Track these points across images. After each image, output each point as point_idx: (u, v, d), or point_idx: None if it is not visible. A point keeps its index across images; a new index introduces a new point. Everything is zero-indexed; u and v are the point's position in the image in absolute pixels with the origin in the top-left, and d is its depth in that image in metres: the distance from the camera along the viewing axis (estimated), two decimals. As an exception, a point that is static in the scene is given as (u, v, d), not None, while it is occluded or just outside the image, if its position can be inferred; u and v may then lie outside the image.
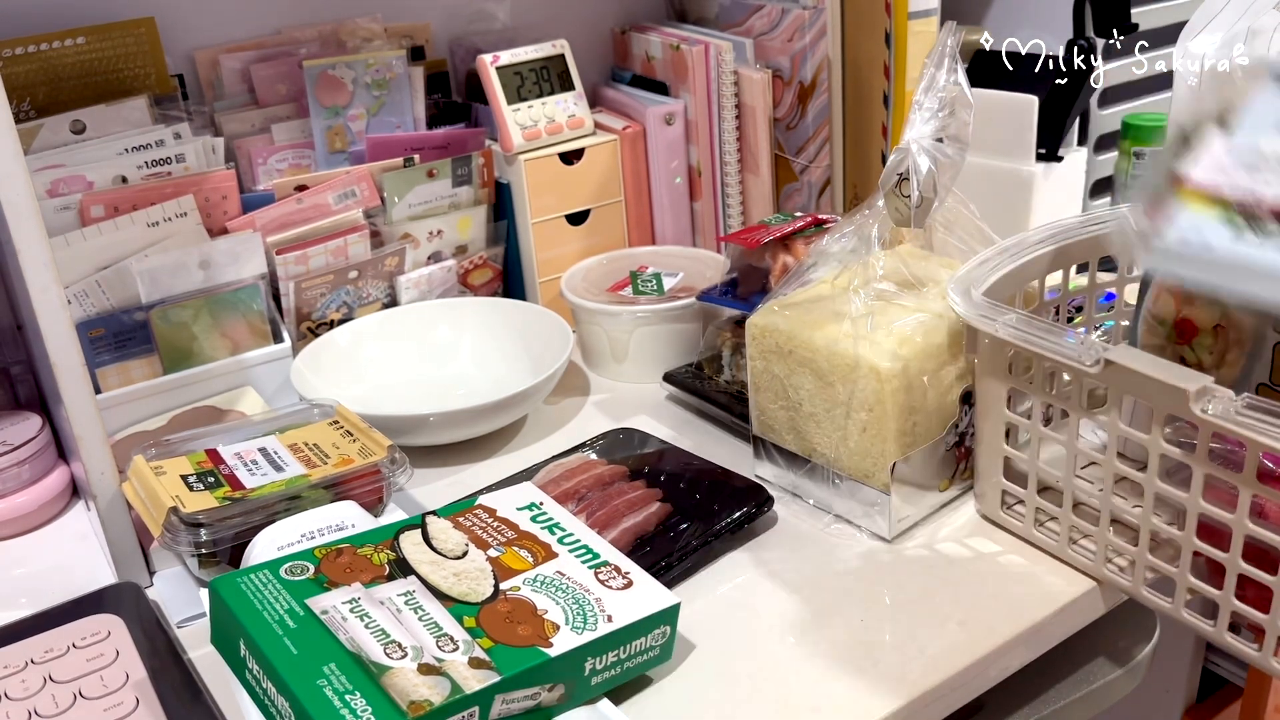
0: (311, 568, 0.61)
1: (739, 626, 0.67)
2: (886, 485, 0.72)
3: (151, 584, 0.74)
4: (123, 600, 0.71)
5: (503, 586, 0.61)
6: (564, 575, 0.63)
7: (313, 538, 0.68)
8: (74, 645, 0.66)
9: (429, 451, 0.88)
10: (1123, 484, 0.67)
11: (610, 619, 0.60)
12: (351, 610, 0.58)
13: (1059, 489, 0.69)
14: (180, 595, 0.73)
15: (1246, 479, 0.57)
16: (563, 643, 0.58)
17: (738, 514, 0.74)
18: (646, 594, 0.62)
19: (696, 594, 0.70)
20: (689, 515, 0.75)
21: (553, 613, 0.60)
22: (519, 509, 0.69)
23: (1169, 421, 0.60)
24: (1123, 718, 0.82)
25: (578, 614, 0.60)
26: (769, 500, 0.76)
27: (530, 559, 0.64)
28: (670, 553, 0.71)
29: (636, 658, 0.61)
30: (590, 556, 0.65)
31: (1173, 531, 0.62)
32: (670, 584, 0.69)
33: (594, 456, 0.83)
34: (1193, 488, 0.60)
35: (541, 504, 0.70)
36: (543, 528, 0.68)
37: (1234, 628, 0.62)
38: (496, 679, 0.55)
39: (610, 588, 0.62)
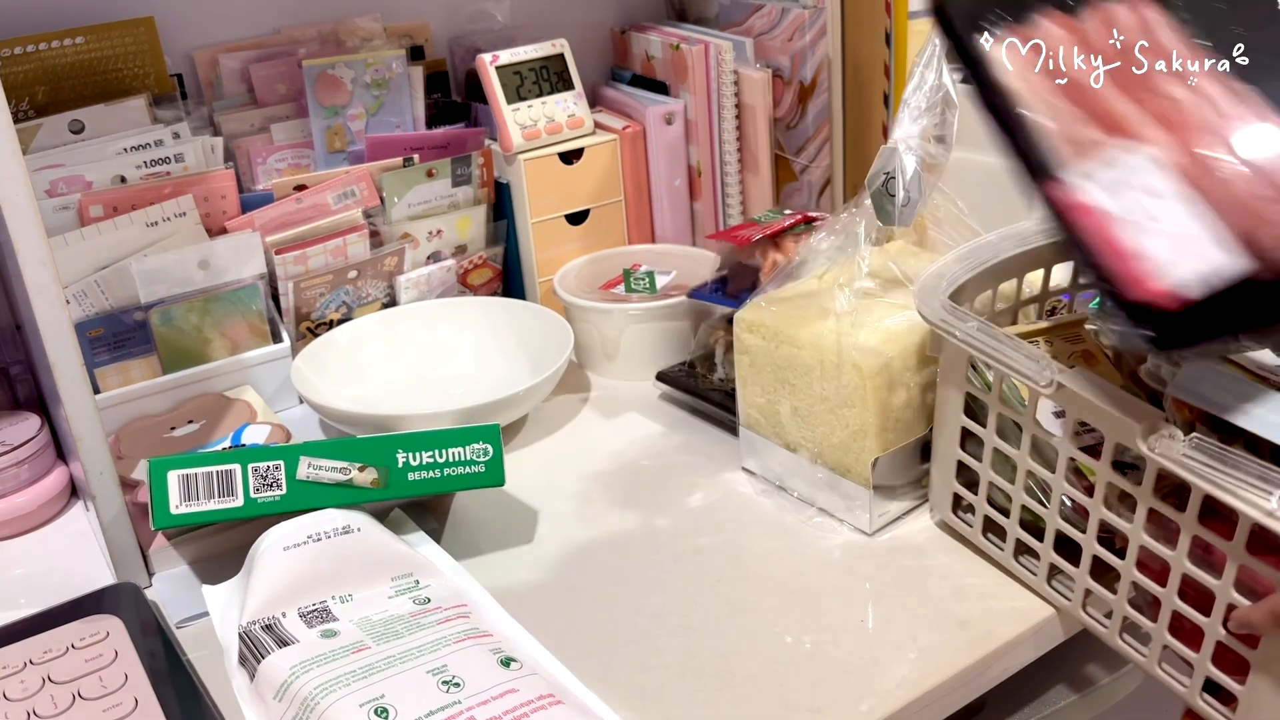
0: None
1: (737, 626, 0.67)
2: (867, 480, 0.72)
3: (151, 584, 0.74)
4: (122, 601, 0.71)
5: None
6: None
7: (318, 539, 0.68)
8: (73, 646, 0.66)
9: (429, 451, 0.88)
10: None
11: None
12: None
13: (1009, 499, 0.67)
14: (180, 596, 0.73)
15: (1188, 520, 0.55)
16: None
17: None
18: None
19: (695, 592, 0.70)
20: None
21: None
22: None
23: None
24: (1123, 718, 0.82)
25: None
26: None
27: None
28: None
29: (456, 467, 0.68)
30: None
31: (1114, 559, 0.61)
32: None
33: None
34: (1136, 519, 0.58)
35: None
36: None
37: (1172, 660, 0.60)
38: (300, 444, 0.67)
39: None
